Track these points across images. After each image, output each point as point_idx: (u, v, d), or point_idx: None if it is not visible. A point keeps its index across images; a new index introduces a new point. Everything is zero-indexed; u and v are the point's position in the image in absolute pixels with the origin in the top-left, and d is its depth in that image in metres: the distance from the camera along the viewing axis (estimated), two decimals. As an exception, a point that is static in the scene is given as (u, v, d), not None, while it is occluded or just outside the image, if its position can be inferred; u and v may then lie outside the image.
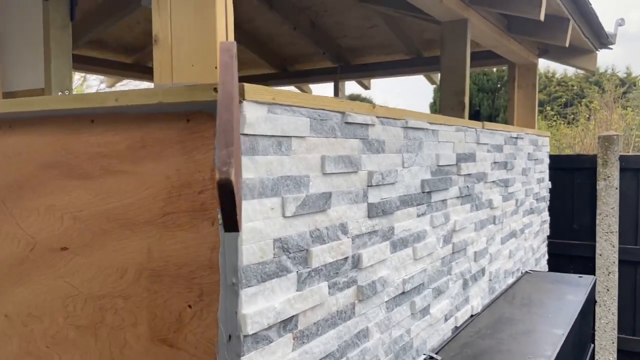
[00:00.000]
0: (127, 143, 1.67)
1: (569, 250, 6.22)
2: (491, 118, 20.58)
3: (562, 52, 5.42)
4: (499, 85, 21.18)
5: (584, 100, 18.51)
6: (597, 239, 6.05)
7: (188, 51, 1.60)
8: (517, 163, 4.25)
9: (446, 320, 2.94)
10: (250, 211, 1.52)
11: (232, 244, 1.51)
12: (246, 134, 1.50)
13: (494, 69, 20.78)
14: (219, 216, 1.53)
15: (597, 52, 5.44)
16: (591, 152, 11.94)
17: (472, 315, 3.31)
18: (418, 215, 2.61)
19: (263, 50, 6.63)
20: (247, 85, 1.50)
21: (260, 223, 1.56)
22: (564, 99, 20.75)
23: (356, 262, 2.06)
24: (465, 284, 3.22)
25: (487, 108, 20.69)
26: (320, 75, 6.68)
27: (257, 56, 6.63)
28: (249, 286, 1.52)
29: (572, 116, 17.93)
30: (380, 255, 2.22)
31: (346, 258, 1.99)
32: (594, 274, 6.14)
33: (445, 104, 3.60)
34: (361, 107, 2.09)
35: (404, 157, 2.44)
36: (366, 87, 7.10)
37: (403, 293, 2.45)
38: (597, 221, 6.04)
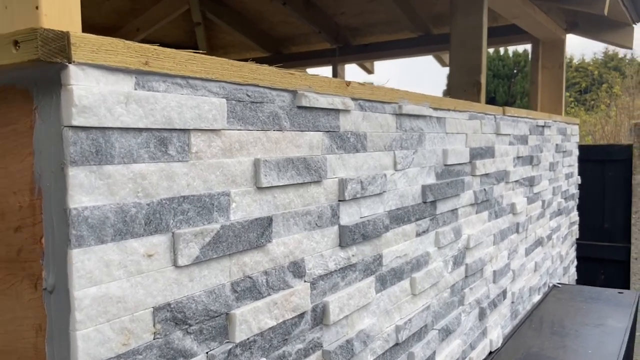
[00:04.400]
0: None
1: (599, 252, 5.48)
2: (507, 105, 19.71)
3: (594, 25, 4.67)
4: (515, 71, 20.31)
5: (604, 85, 17.68)
6: (633, 240, 5.30)
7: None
8: (543, 157, 3.53)
9: (457, 365, 2.26)
10: (93, 267, 0.84)
11: (63, 325, 0.84)
12: (81, 128, 0.82)
13: (510, 54, 19.91)
14: (44, 273, 0.86)
15: (634, 25, 4.67)
16: (612, 140, 11.13)
17: (491, 353, 2.62)
18: (418, 234, 1.92)
19: (253, 31, 5.93)
20: (77, 36, 0.81)
21: (119, 285, 0.88)
22: (583, 85, 19.85)
23: (319, 317, 1.38)
24: (482, 314, 2.52)
25: (503, 95, 19.84)
26: (317, 58, 5.96)
27: (246, 38, 5.93)
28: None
29: (592, 102, 17.12)
30: (359, 300, 1.53)
31: (302, 314, 1.31)
32: (628, 280, 5.40)
33: (455, 84, 2.89)
34: (326, 84, 1.40)
35: (396, 156, 1.75)
36: (369, 71, 6.37)
37: (397, 345, 1.76)
38: (633, 220, 5.29)
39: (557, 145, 3.87)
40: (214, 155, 1.06)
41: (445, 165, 2.13)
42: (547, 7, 3.94)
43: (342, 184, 1.46)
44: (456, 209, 2.24)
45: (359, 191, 1.53)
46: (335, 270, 1.44)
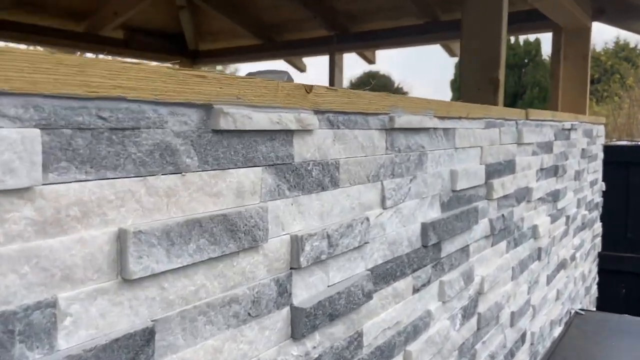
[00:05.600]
0: None
1: (621, 264, 4.96)
2: (516, 97, 19.10)
3: (623, 12, 4.12)
4: (526, 60, 19.64)
5: (616, 76, 17.11)
6: (660, 252, 4.78)
7: None
8: (569, 165, 3.00)
9: None
10: None
11: None
12: None
13: (521, 42, 19.22)
14: None
15: (667, 13, 4.12)
16: (625, 134, 10.54)
17: (506, 415, 2.13)
18: (416, 290, 1.41)
19: (243, 16, 5.39)
20: None
21: None
22: (596, 76, 19.21)
23: None
24: (497, 369, 2.02)
25: (513, 85, 19.19)
26: (313, 47, 5.42)
27: (234, 23, 5.40)
28: None
29: (604, 93, 16.57)
30: (324, 410, 1.03)
31: None
32: (654, 296, 4.88)
33: (467, 82, 2.37)
34: (269, 91, 0.88)
35: (385, 188, 1.24)
36: (370, 61, 5.83)
37: None
38: (661, 231, 4.77)
39: (582, 150, 3.34)
40: (16, 237, 0.56)
41: (454, 191, 1.62)
42: (575, -10, 3.40)
43: (297, 243, 0.95)
44: (467, 246, 1.73)
45: (325, 250, 1.02)
46: (284, 378, 0.94)
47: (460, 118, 1.62)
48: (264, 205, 0.88)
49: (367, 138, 1.18)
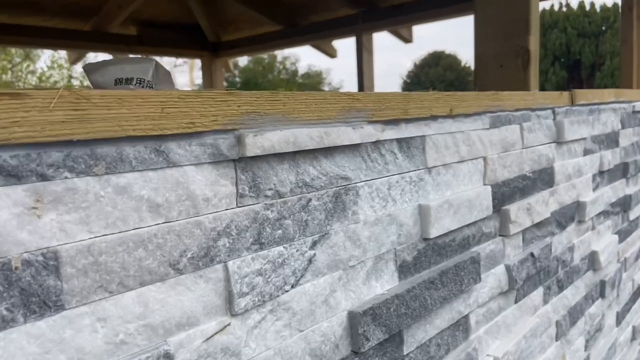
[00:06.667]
0: None
1: None
2: (594, 68, 17.45)
3: None
4: (603, 28, 17.88)
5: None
6: None
7: None
8: (645, 159, 2.23)
9: None
10: None
11: None
12: None
13: (597, 8, 17.52)
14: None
15: None
16: None
17: None
18: None
19: (259, 0, 4.83)
20: None
21: None
22: None
23: None
24: None
25: (590, 56, 17.56)
26: (336, 28, 4.78)
27: (249, 9, 4.85)
28: None
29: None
30: None
31: None
32: None
33: (484, 54, 1.67)
34: None
35: (233, 274, 0.64)
36: (406, 40, 5.10)
37: None
38: None
39: (665, 135, 2.53)
40: None
41: (427, 239, 0.98)
42: None
43: None
44: (463, 318, 1.08)
45: None
46: None
47: (433, 117, 0.98)
48: None
49: (173, 185, 0.58)
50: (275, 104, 0.69)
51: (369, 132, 0.83)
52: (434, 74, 25.46)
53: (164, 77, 1.09)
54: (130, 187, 0.56)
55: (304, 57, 40.95)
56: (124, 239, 0.55)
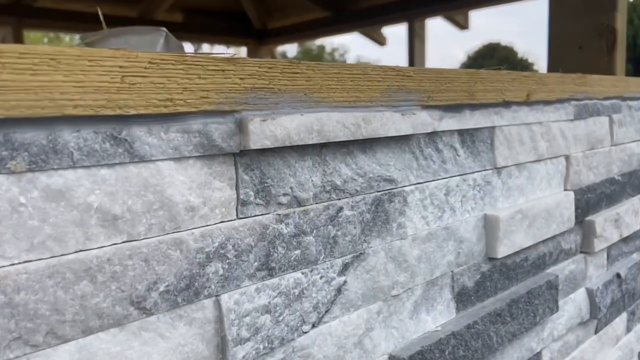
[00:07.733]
0: None
1: None
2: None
3: None
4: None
5: None
6: None
7: None
8: None
9: None
10: None
11: None
12: None
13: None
14: None
15: None
16: None
17: None
18: None
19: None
20: None
21: None
22: None
23: None
24: None
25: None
26: (387, 15, 4.53)
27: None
28: None
29: None
30: None
31: None
32: None
33: (562, 37, 1.43)
34: None
35: (226, 311, 0.46)
36: (462, 26, 4.80)
37: None
38: None
39: None
40: None
41: (493, 259, 0.77)
42: None
43: None
44: (536, 356, 0.87)
45: None
46: None
47: (505, 104, 0.77)
48: None
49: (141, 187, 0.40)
50: (295, 78, 0.50)
51: (422, 121, 0.63)
52: (488, 66, 24.71)
53: (176, 51, 0.92)
54: (71, 191, 0.38)
55: (353, 48, 40.56)
56: (58, 268, 0.38)
